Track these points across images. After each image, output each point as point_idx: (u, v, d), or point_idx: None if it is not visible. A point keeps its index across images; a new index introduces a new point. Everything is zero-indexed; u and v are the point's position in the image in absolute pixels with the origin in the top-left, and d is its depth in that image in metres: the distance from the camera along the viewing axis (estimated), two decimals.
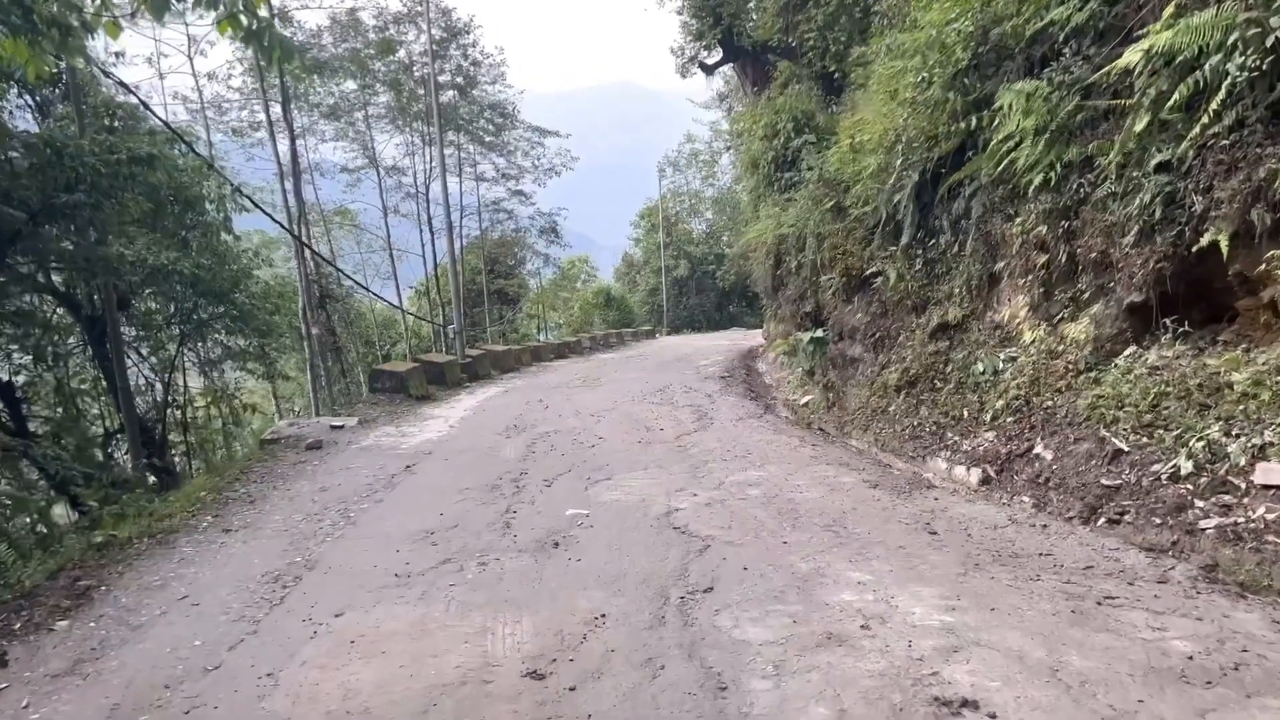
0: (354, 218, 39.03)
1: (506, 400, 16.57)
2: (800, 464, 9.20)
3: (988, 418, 9.65)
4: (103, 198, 11.16)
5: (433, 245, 35.37)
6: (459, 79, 35.45)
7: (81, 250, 11.05)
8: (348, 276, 26.19)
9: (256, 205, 15.58)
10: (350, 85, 33.45)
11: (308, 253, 22.20)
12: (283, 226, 17.71)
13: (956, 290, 11.42)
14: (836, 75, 19.04)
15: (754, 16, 23.38)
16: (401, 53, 32.90)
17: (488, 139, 37.82)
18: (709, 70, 26.21)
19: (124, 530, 7.24)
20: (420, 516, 7.21)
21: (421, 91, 32.65)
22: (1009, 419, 9.31)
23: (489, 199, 40.99)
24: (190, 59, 27.23)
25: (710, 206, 57.97)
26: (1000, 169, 9.83)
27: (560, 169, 39.61)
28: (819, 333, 15.58)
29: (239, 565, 6.30)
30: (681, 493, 7.80)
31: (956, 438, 9.82)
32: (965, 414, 10.12)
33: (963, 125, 10.29)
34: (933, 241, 11.93)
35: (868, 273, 13.06)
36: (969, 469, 8.79)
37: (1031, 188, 9.23)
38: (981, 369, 10.30)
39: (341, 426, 12.45)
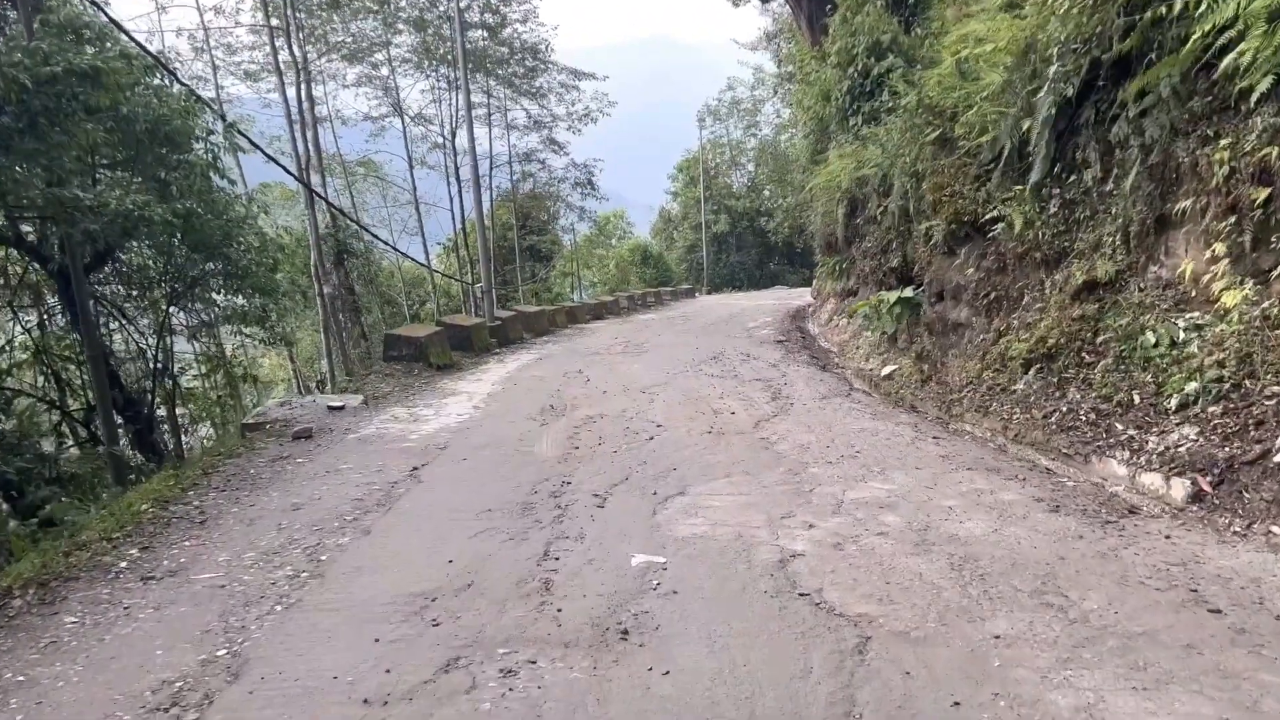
0: (378, 169, 36.83)
1: (540, 371, 14.36)
2: (932, 469, 6.90)
3: (1172, 404, 7.32)
4: (45, 124, 8.97)
5: (460, 199, 33.17)
6: (487, 16, 32.88)
7: (15, 189, 8.85)
8: (365, 229, 24.03)
9: (253, 144, 13.38)
10: (371, 24, 31.02)
11: (322, 204, 20.04)
12: (287, 171, 15.53)
13: (1107, 239, 9.01)
14: None
15: None
16: None
17: (518, 83, 35.26)
18: None
19: (10, 573, 5.11)
20: (419, 563, 5.03)
21: (447, 30, 30.13)
22: (1212, 408, 6.97)
23: (521, 149, 38.56)
24: None
25: (752, 158, 55.04)
26: (1197, 75, 7.42)
27: (597, 115, 36.99)
28: (909, 292, 13.18)
29: (130, 661, 4.05)
30: (790, 521, 5.52)
31: (1132, 431, 7.47)
32: (1136, 399, 7.78)
33: (1144, 18, 7.78)
34: (1072, 178, 9.46)
35: (984, 219, 10.60)
36: (1168, 478, 6.43)
37: (1254, 97, 6.76)
38: (1153, 340, 7.94)
39: (341, 408, 10.29)
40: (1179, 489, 6.23)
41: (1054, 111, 9.40)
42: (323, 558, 5.18)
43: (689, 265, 52.88)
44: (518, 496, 6.34)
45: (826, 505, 5.87)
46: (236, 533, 5.81)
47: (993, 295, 10.77)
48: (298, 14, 23.38)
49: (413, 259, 28.09)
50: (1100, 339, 8.71)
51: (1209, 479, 6.21)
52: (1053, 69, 8.57)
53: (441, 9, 29.93)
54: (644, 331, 22.23)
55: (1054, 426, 8.31)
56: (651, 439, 8.30)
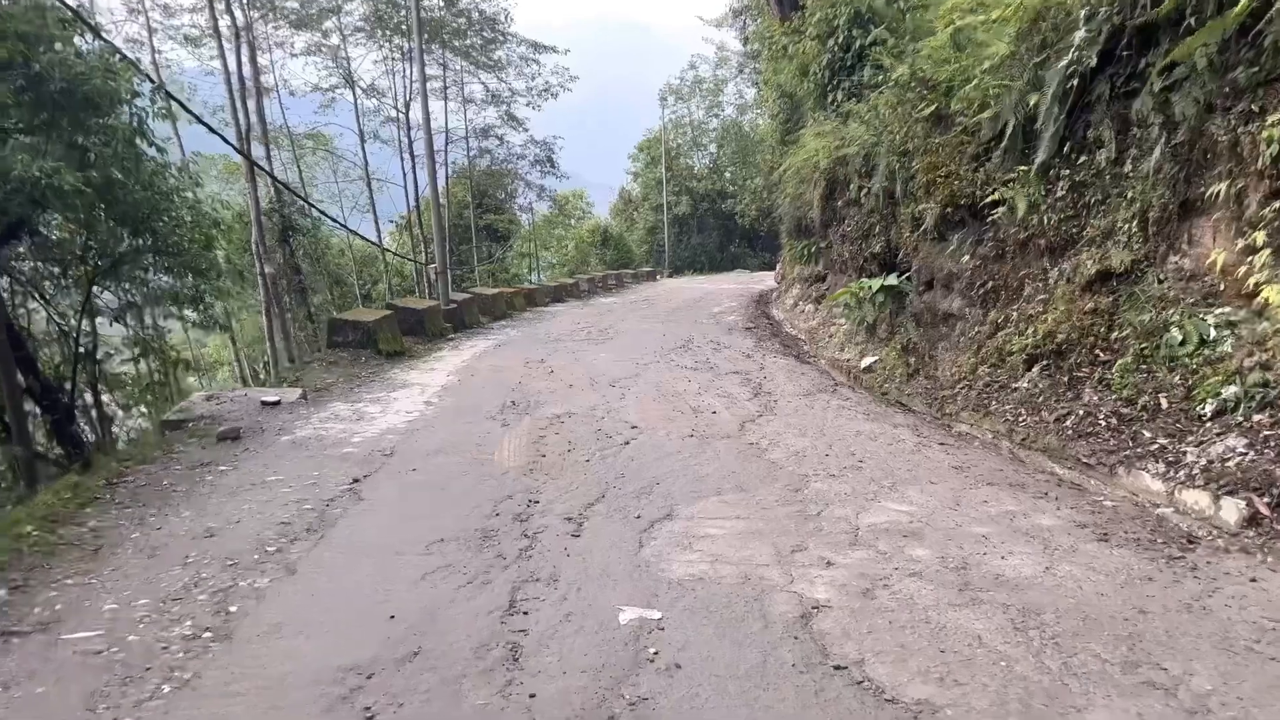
0: (328, 142, 35.22)
1: (499, 359, 13.35)
2: (949, 483, 6.09)
3: (1207, 411, 6.61)
4: None
5: (414, 174, 31.82)
6: None
7: None
8: (312, 205, 22.67)
9: (183, 106, 12.15)
10: None
11: (266, 179, 18.71)
12: (224, 139, 14.24)
13: (1122, 225, 8.27)
14: None
15: None
16: None
17: (476, 55, 33.86)
18: None
19: None
20: (354, 620, 4.00)
21: None
22: (1258, 416, 6.27)
23: (478, 125, 37.15)
24: None
25: (715, 139, 54.09)
26: (1240, 45, 6.70)
27: (558, 90, 35.71)
28: (893, 279, 12.38)
29: None
30: (803, 556, 4.64)
31: (1164, 440, 6.72)
32: (1164, 403, 7.06)
33: None
34: (1083, 159, 8.70)
35: (983, 202, 9.79)
36: (1216, 497, 5.67)
37: None
38: (1179, 337, 7.21)
39: (276, 403, 9.19)
40: (1231, 510, 5.46)
41: (1074, 84, 8.60)
42: (233, 608, 4.15)
43: (650, 247, 51.89)
44: (476, 520, 5.37)
45: (841, 533, 5.00)
46: (134, 568, 4.77)
47: (989, 285, 10.01)
48: None
49: (363, 237, 26.73)
50: (1116, 335, 7.98)
51: (1267, 500, 5.45)
52: (1078, 34, 7.72)
53: None
54: (607, 316, 21.30)
55: (1069, 431, 7.55)
56: (627, 444, 7.37)
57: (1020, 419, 8.30)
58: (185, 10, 25.54)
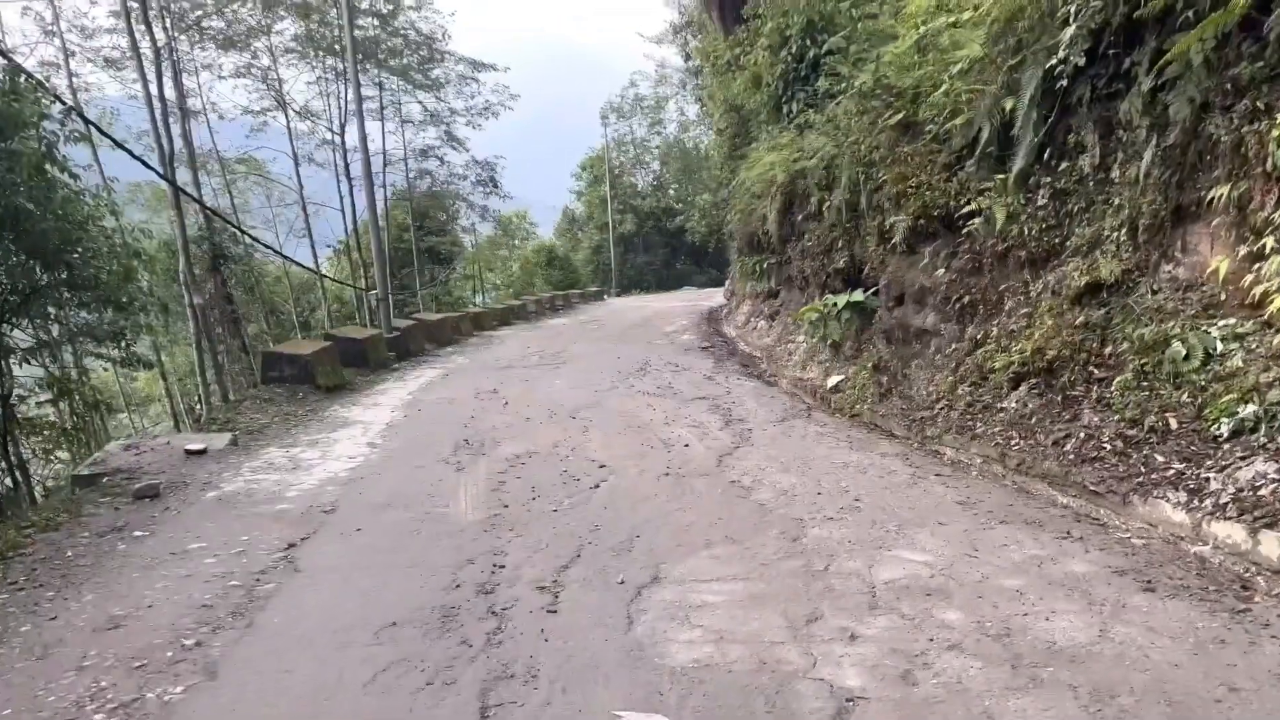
0: (261, 167, 33.95)
1: (448, 390, 12.55)
2: (959, 523, 5.52)
3: (1223, 431, 6.14)
4: None
5: (352, 198, 30.74)
6: (379, 3, 30.59)
7: None
8: (243, 231, 21.58)
9: (96, 128, 11.22)
10: (249, 8, 28.35)
11: (194, 204, 17.64)
12: (145, 164, 13.24)
13: (1110, 234, 7.85)
14: None
15: None
16: None
17: (414, 75, 32.98)
18: None
19: None
20: None
21: (334, 17, 27.71)
22: None
23: (417, 145, 36.19)
24: None
25: (657, 156, 53.80)
26: (1241, 40, 6.32)
27: (498, 108, 34.94)
28: (859, 295, 11.89)
29: None
30: (821, 627, 3.98)
31: (1179, 465, 6.23)
32: (1173, 423, 6.59)
33: None
34: (1064, 165, 8.28)
35: (959, 212, 9.32)
36: (1252, 531, 5.15)
37: None
38: (1183, 352, 6.76)
39: (202, 451, 8.28)
40: (1273, 546, 4.94)
41: (1039, 90, 8.17)
42: None
43: (595, 266, 51.27)
44: (434, 594, 4.58)
45: (857, 594, 4.35)
46: (17, 675, 3.89)
47: (966, 299, 9.53)
48: None
49: (298, 263, 25.61)
50: (1111, 350, 7.52)
51: None
52: (1068, 31, 7.25)
53: None
54: (558, 339, 20.59)
55: (1071, 456, 7.03)
56: (597, 487, 6.66)
57: (1012, 442, 7.78)
58: (104, 31, 24.31)
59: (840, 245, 12.64)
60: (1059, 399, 7.72)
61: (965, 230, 9.26)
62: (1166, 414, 6.61)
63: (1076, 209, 8.16)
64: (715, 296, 31.79)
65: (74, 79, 23.13)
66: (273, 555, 5.39)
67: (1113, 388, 7.21)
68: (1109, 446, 6.83)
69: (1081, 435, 7.13)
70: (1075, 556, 4.84)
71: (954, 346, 9.74)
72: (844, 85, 12.14)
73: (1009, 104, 8.58)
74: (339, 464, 7.91)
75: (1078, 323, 7.83)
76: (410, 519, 6.03)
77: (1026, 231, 8.53)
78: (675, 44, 37.71)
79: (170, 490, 7.12)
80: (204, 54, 29.40)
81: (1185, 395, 6.59)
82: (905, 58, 10.56)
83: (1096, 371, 7.52)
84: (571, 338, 20.86)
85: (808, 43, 13.99)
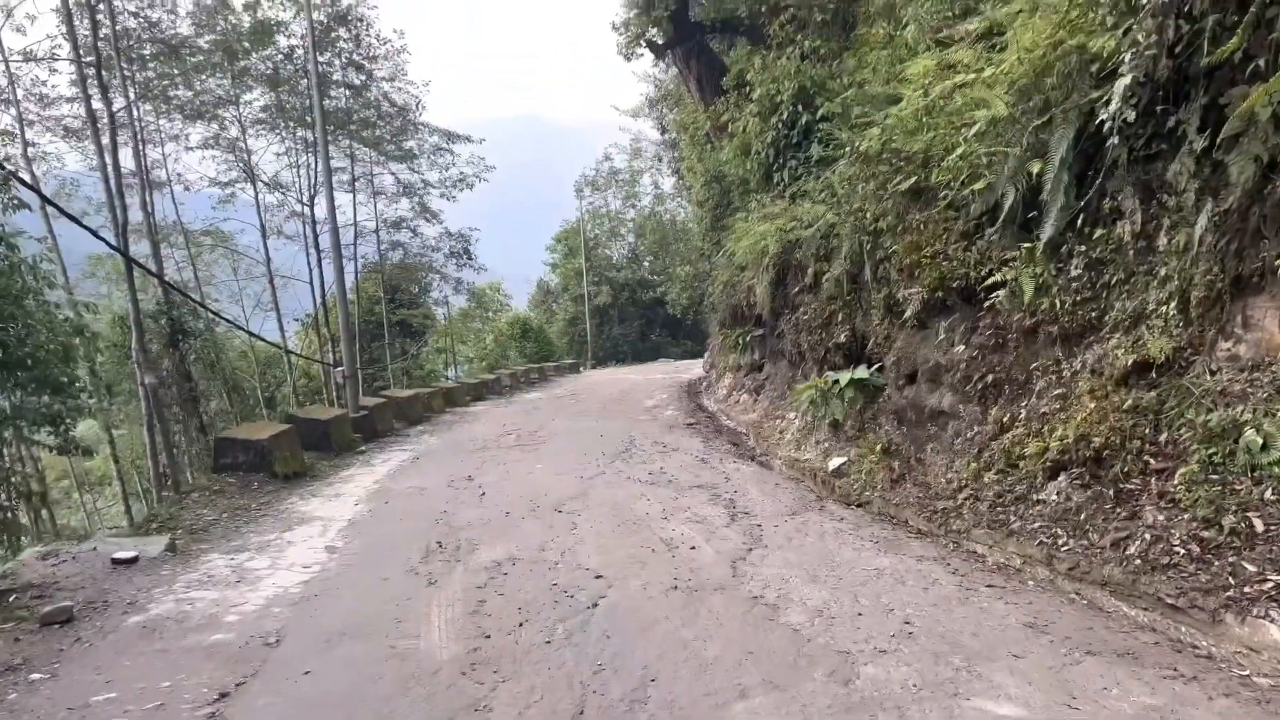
0: (228, 239, 33.00)
1: (419, 478, 11.48)
2: (1038, 655, 4.59)
3: None
4: None
5: (321, 271, 29.73)
6: (351, 74, 30.12)
7: None
8: (200, 305, 20.51)
9: (36, 191, 10.27)
10: (216, 81, 27.73)
11: (152, 278, 16.61)
12: (94, 234, 12.26)
13: (1156, 307, 7.10)
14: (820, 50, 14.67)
15: None
16: (281, 40, 27.37)
17: (386, 146, 32.40)
18: (659, 51, 21.71)
19: None
20: None
21: (305, 87, 27.15)
22: None
23: (389, 217, 35.46)
24: None
25: (633, 229, 53.62)
26: None
27: (473, 180, 34.31)
28: (863, 371, 11.10)
29: None
30: None
31: (1276, 577, 5.34)
32: (1258, 525, 5.78)
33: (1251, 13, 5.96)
34: (1100, 232, 7.54)
35: (981, 284, 8.57)
36: None
37: None
38: (1260, 441, 5.97)
39: (132, 560, 7.13)
40: None
41: (1070, 151, 7.50)
42: None
43: (571, 339, 50.52)
44: None
45: None
46: None
47: (989, 378, 8.72)
48: (122, 63, 20.01)
49: (261, 338, 24.56)
50: (1167, 437, 6.69)
51: None
52: (1121, 83, 6.55)
53: (298, 61, 26.95)
54: (535, 416, 19.59)
55: (1137, 561, 6.13)
56: (595, 606, 5.63)
57: (1060, 542, 6.88)
58: (65, 100, 23.51)
59: (840, 319, 11.88)
60: (1110, 492, 6.86)
61: (987, 303, 8.50)
62: (1248, 514, 5.76)
63: (1115, 280, 7.42)
64: (693, 369, 31.07)
65: (29, 148, 22.21)
66: (198, 712, 4.30)
67: (1176, 481, 6.37)
68: (1182, 551, 5.94)
69: (1147, 537, 6.25)
70: (1198, 705, 3.91)
71: (976, 430, 8.91)
72: (843, 151, 11.52)
73: (1036, 167, 7.89)
74: (291, 575, 6.77)
75: (1126, 406, 7.01)
76: (371, 655, 4.96)
77: (1059, 304, 7.77)
78: (651, 117, 37.64)
79: (86, 613, 5.96)
80: (170, 124, 28.71)
81: (1269, 492, 5.76)
82: (911, 121, 9.94)
83: (1153, 462, 6.68)
84: (549, 414, 19.87)
85: (799, 109, 13.46)
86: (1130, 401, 7.03)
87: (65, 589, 6.49)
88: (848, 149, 10.70)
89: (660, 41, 20.79)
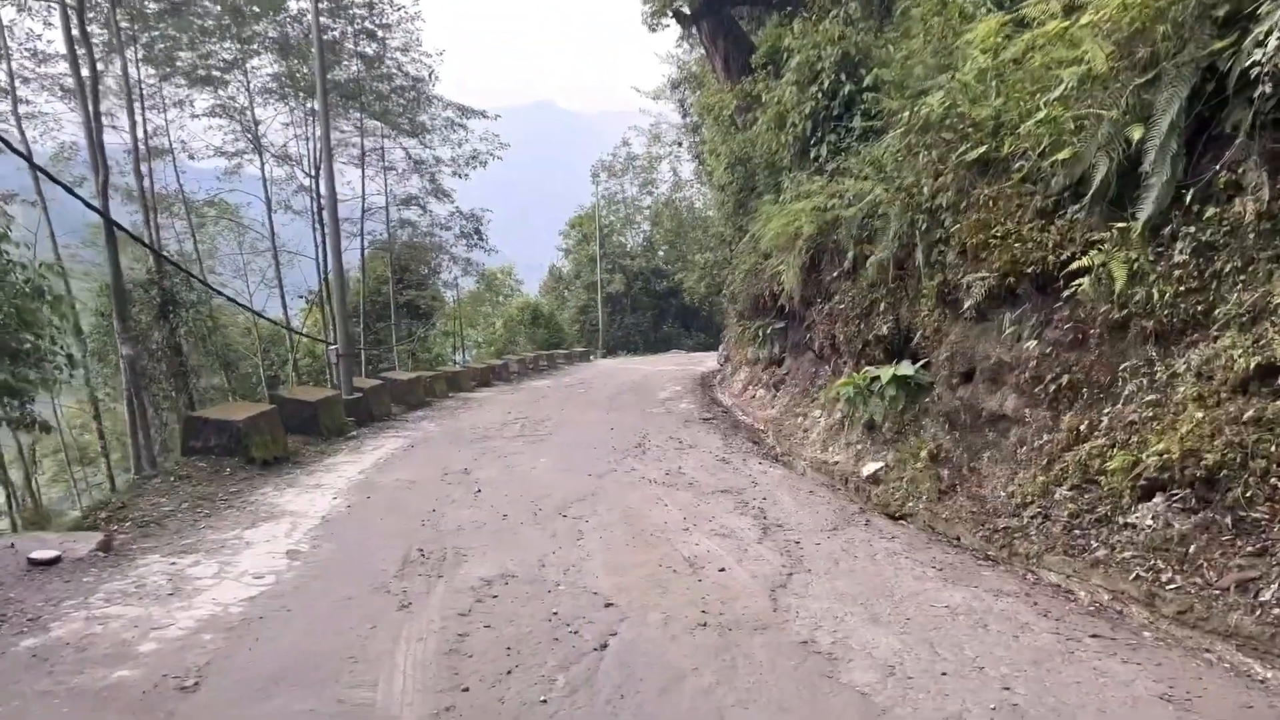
0: (234, 211, 31.94)
1: (409, 470, 10.36)
2: None
3: None
4: None
5: (324, 246, 28.64)
6: (363, 44, 28.97)
7: None
8: (190, 274, 19.43)
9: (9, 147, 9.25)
10: (225, 46, 26.65)
11: (142, 246, 15.49)
12: (68, 190, 11.16)
13: None
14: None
15: None
16: (291, 3, 26.25)
17: (397, 119, 31.25)
18: (686, 21, 20.47)
19: None
20: None
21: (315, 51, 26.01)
22: None
23: (400, 194, 34.32)
24: None
25: (648, 216, 52.40)
26: None
27: (486, 158, 33.08)
28: (907, 367, 9.93)
29: None
30: None
31: None
32: None
33: None
34: (1213, 212, 6.33)
35: (1061, 270, 7.38)
36: None
37: None
38: None
39: (53, 561, 5.99)
40: None
41: (1180, 115, 6.30)
42: None
43: (582, 326, 49.41)
44: None
45: None
46: None
47: (1064, 379, 7.51)
48: (117, 15, 18.92)
49: (257, 313, 23.48)
50: None
51: None
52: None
53: (307, 25, 25.79)
54: (542, 404, 18.49)
55: (1276, 612, 4.94)
56: (604, 648, 4.49)
57: (1163, 577, 5.72)
58: (61, 58, 22.36)
59: (883, 308, 10.70)
60: (1228, 520, 5.68)
61: (1066, 293, 7.29)
62: None
63: (1230, 268, 6.22)
64: (706, 361, 30.07)
65: (19, 105, 21.11)
66: None
67: None
68: None
69: None
70: None
71: (1045, 438, 7.71)
72: (893, 121, 10.31)
73: (1136, 133, 6.66)
74: (236, 589, 5.59)
75: (1246, 418, 5.81)
76: (311, 713, 3.81)
77: (1156, 296, 6.57)
78: (673, 100, 36.42)
79: None
80: (174, 90, 27.65)
81: None
82: (976, 85, 8.75)
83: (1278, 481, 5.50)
84: (557, 403, 18.78)
85: (842, 78, 12.24)
86: (1251, 412, 5.81)
87: None
88: (903, 116, 9.46)
89: (688, 11, 19.57)
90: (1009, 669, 4.20)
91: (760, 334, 18.08)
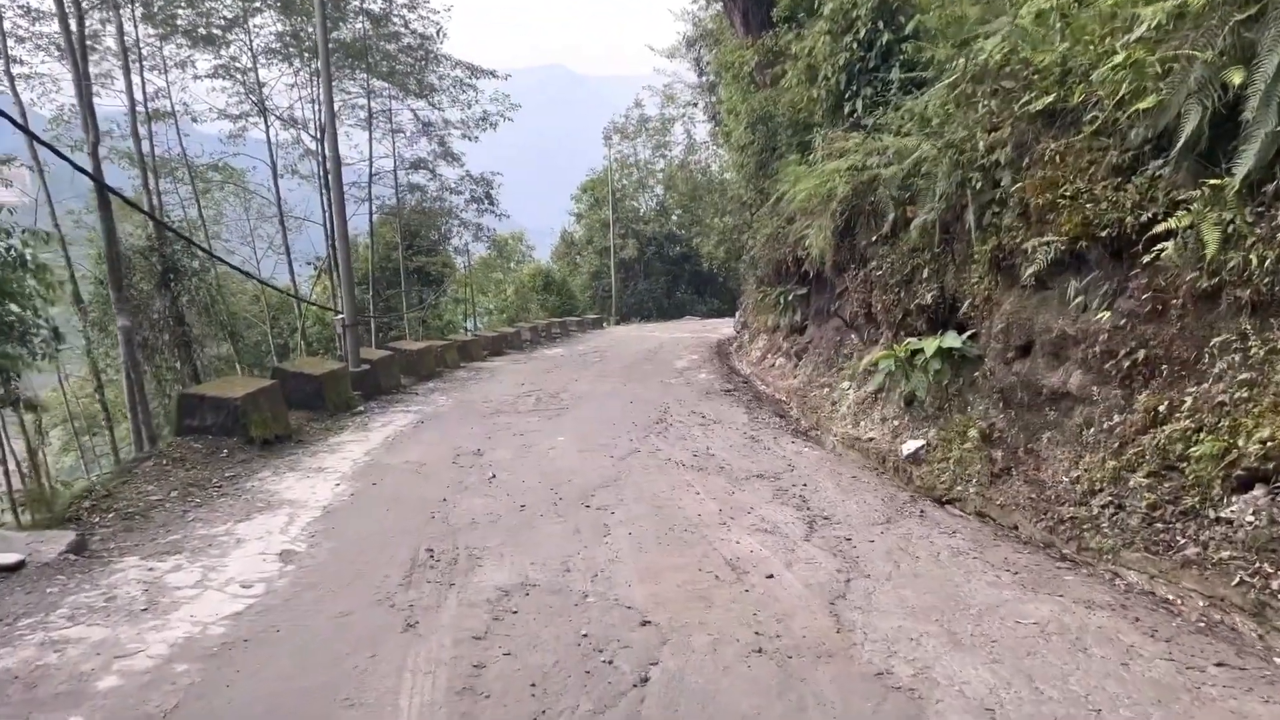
0: (237, 175, 31.18)
1: (419, 451, 9.71)
2: None
3: None
4: None
5: (331, 212, 27.92)
6: (368, 2, 28.06)
7: None
8: (190, 241, 18.75)
9: None
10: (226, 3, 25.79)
11: (139, 212, 14.77)
12: (55, 150, 10.46)
13: None
14: None
15: None
16: None
17: (405, 79, 30.34)
18: None
19: None
20: None
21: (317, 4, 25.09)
22: None
23: (408, 157, 33.46)
24: None
25: (661, 180, 51.32)
26: None
27: (496, 119, 32.14)
28: (953, 338, 9.19)
29: None
30: None
31: None
32: None
33: None
34: None
35: (1149, 232, 6.56)
36: None
37: None
38: None
39: (16, 567, 5.34)
40: None
41: None
42: None
43: (594, 293, 48.63)
44: None
45: None
46: None
47: (1140, 355, 6.74)
48: None
49: (259, 279, 22.86)
50: None
51: None
52: None
53: None
54: (556, 374, 17.84)
55: None
56: (645, 682, 3.81)
57: (1273, 584, 5.00)
58: (53, 16, 21.53)
59: (927, 275, 9.93)
60: None
61: (1146, 258, 6.50)
62: None
63: None
64: (722, 328, 29.45)
65: (10, 63, 20.28)
66: None
67: None
68: None
69: None
70: None
71: (1116, 419, 6.96)
72: (937, 71, 9.48)
73: (1236, 77, 5.82)
74: (220, 602, 4.89)
75: None
76: None
77: (1255, 261, 5.77)
78: (688, 58, 35.33)
79: None
80: (176, 50, 26.82)
81: None
82: (1036, 29, 7.91)
83: None
84: (572, 373, 18.12)
85: (880, 26, 11.34)
86: None
87: None
88: (956, 64, 8.61)
89: None
90: (1130, 712, 3.51)
91: (782, 300, 17.40)
